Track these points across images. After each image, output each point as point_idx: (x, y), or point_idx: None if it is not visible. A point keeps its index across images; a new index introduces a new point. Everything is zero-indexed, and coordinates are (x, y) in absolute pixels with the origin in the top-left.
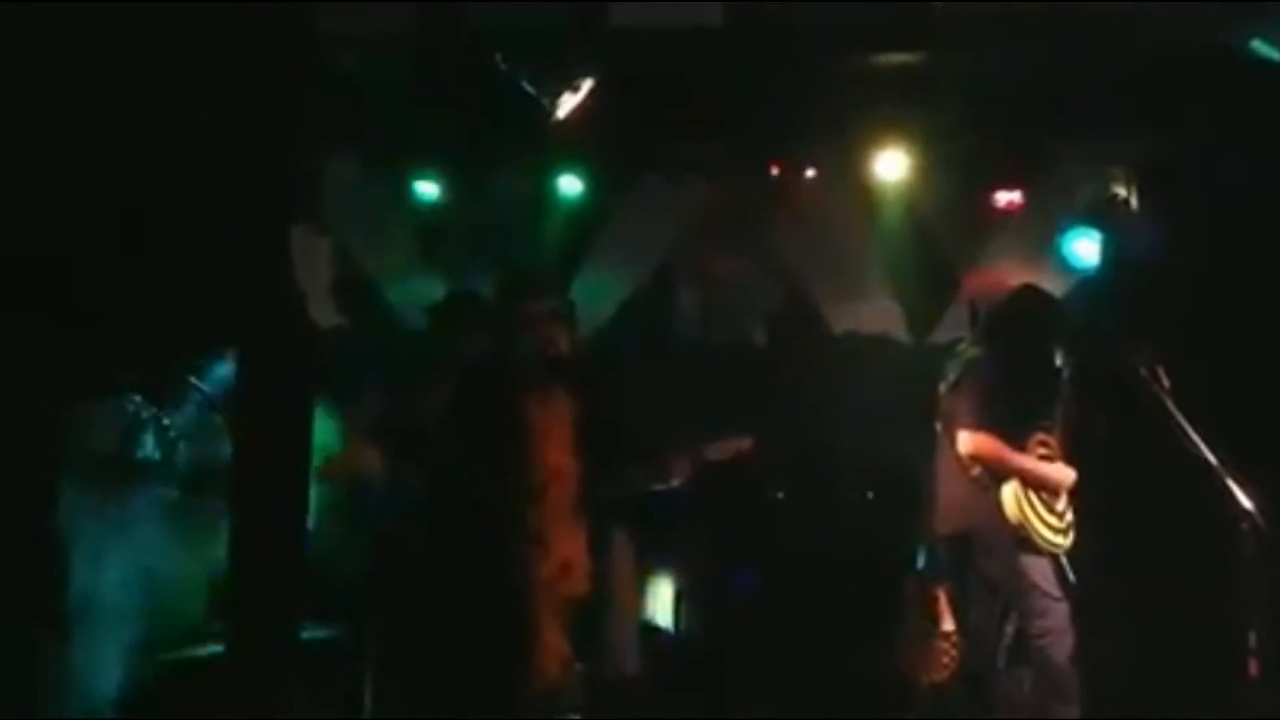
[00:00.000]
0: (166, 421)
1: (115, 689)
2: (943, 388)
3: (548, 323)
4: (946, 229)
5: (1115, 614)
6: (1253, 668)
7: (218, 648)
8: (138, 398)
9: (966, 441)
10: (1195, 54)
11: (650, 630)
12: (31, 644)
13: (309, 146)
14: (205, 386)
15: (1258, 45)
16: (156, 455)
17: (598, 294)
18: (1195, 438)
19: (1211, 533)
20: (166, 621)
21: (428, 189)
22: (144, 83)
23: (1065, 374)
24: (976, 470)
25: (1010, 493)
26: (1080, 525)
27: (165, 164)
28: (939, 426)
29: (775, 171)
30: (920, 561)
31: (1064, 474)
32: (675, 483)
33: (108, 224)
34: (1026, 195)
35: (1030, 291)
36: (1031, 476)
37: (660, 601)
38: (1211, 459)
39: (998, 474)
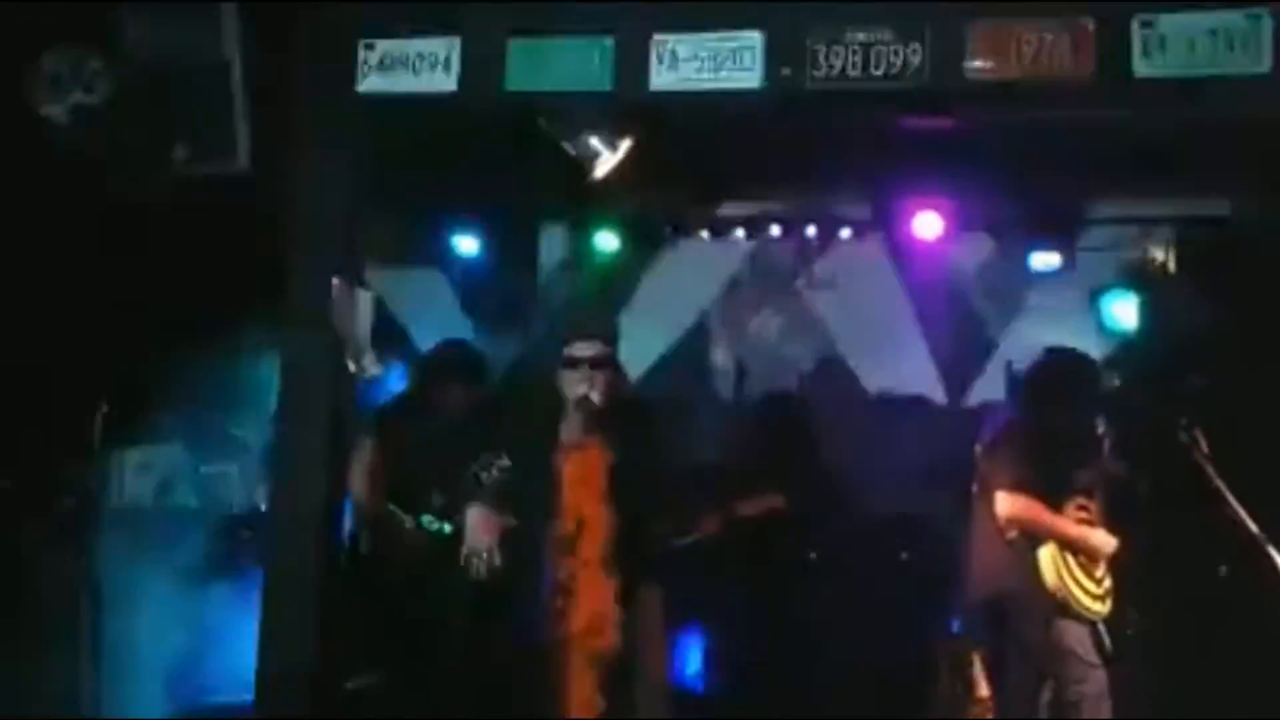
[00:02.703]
0: (204, 470)
1: None
2: (979, 449)
3: (585, 373)
4: (983, 290)
5: (1153, 683)
6: None
7: (251, 697)
8: (176, 446)
9: (1005, 503)
10: (1234, 118)
11: (679, 687)
12: (68, 692)
13: (352, 200)
14: (244, 435)
15: None
16: (193, 503)
17: (633, 350)
18: (1235, 504)
19: (1251, 602)
20: (203, 670)
21: (467, 244)
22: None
23: (1105, 438)
24: (1013, 533)
25: (1049, 558)
26: (1118, 592)
27: (206, 215)
28: (975, 488)
29: (811, 230)
30: (955, 625)
31: (1102, 540)
32: (705, 537)
33: (146, 271)
34: (1064, 257)
35: (1065, 353)
36: (1070, 540)
37: (690, 657)
38: (1253, 527)
39: (1036, 537)
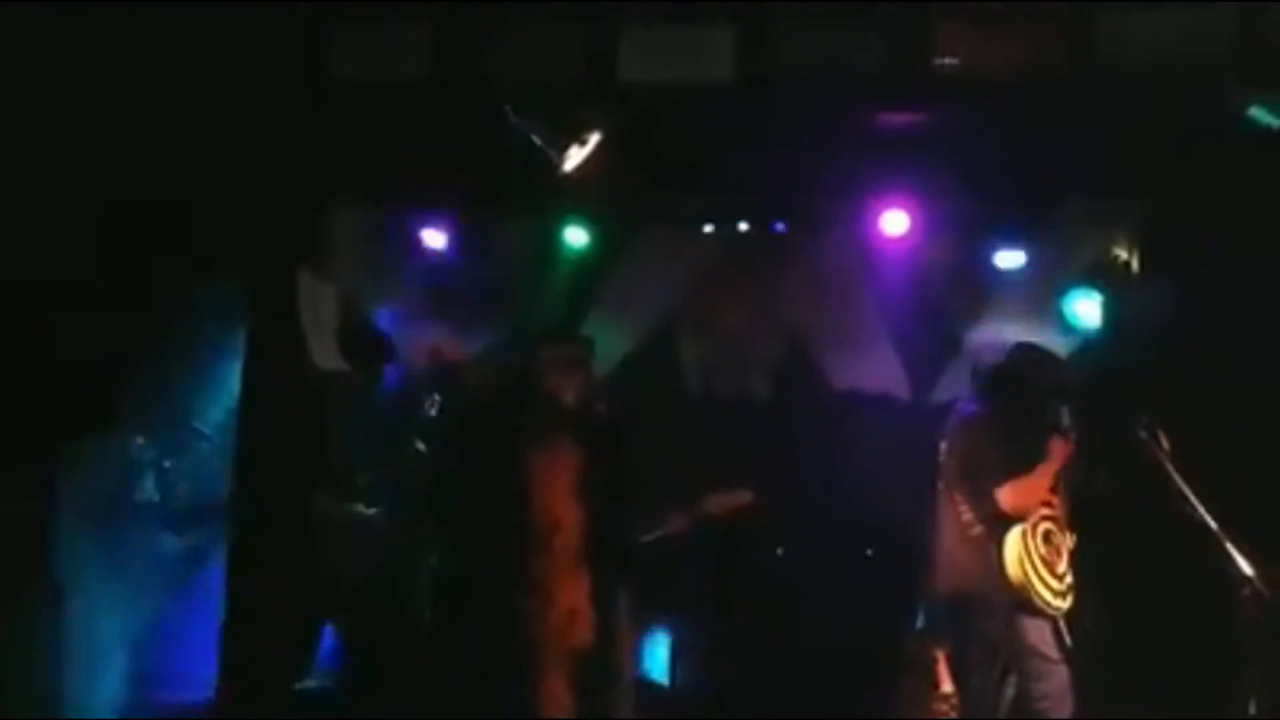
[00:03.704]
0: (167, 464)
1: None
2: (942, 446)
3: (556, 371)
4: (949, 287)
5: (1114, 678)
6: None
7: (214, 694)
8: (139, 439)
9: (1010, 497)
10: (1196, 116)
11: (647, 682)
12: (29, 685)
13: (315, 191)
14: (206, 429)
15: (1255, 112)
16: (156, 497)
17: (601, 345)
18: (1195, 501)
19: (1211, 597)
20: (164, 665)
21: (435, 238)
22: (150, 126)
23: (1069, 433)
24: (977, 530)
25: (1014, 552)
26: (1080, 588)
27: (170, 208)
28: (940, 485)
29: (780, 227)
30: (920, 621)
31: (1061, 446)
32: (674, 534)
33: (115, 261)
34: (1029, 255)
35: (1029, 350)
36: (1053, 473)
37: (658, 653)
38: (1211, 523)
39: (1003, 529)
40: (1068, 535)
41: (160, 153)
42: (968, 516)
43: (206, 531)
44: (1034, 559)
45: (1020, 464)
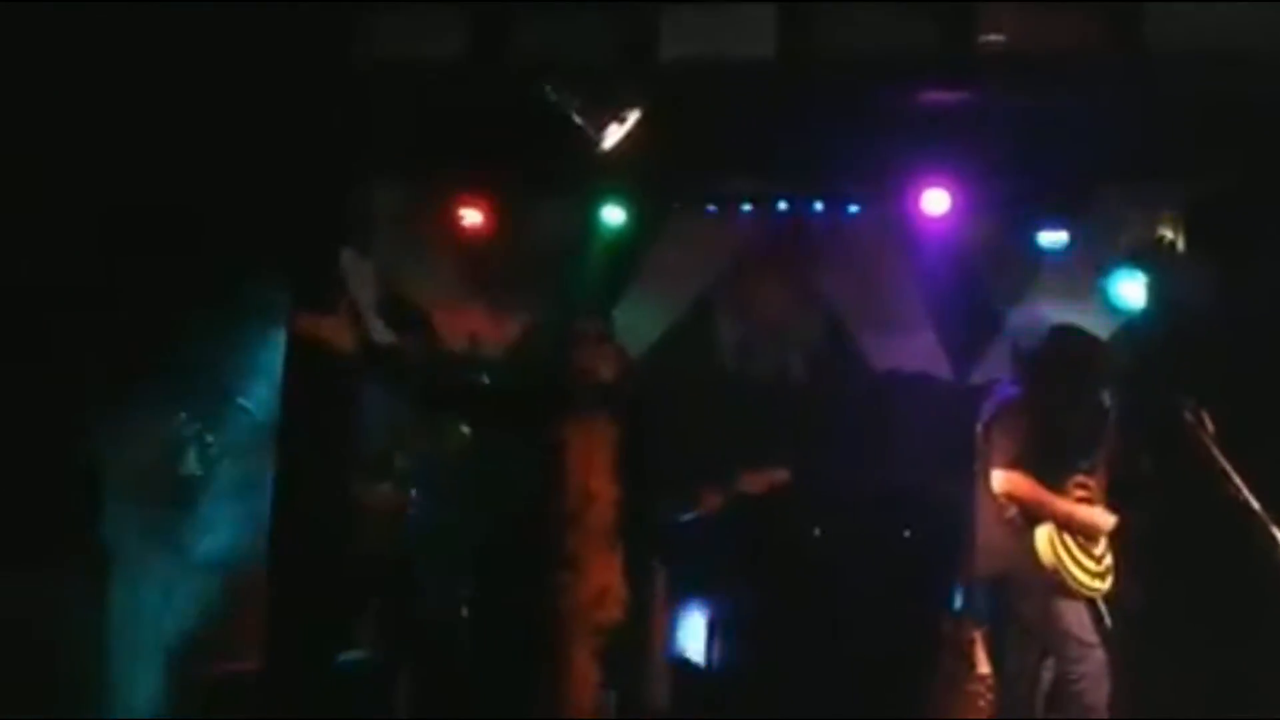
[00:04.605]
0: (209, 438)
1: (153, 704)
2: (980, 428)
3: (591, 348)
4: (990, 267)
5: (1154, 661)
6: None
7: (256, 665)
8: (182, 414)
9: (1000, 480)
10: (1244, 96)
11: (681, 661)
12: (72, 655)
13: (356, 171)
14: (249, 404)
15: None
16: (199, 471)
17: (638, 323)
18: (1240, 483)
19: (1254, 580)
20: (207, 637)
21: (472, 216)
22: (193, 108)
23: (1109, 416)
24: (1012, 512)
25: (1045, 536)
26: (1122, 569)
27: (215, 186)
28: (977, 467)
29: (819, 205)
30: (957, 603)
31: (1100, 518)
32: (709, 513)
33: (155, 241)
34: (1072, 235)
35: (1072, 331)
36: (1065, 517)
37: (692, 632)
38: (1256, 505)
39: (1032, 515)
40: (1107, 516)
41: (197, 136)
42: (1003, 499)
43: (249, 505)
44: (1067, 541)
45: (1054, 449)
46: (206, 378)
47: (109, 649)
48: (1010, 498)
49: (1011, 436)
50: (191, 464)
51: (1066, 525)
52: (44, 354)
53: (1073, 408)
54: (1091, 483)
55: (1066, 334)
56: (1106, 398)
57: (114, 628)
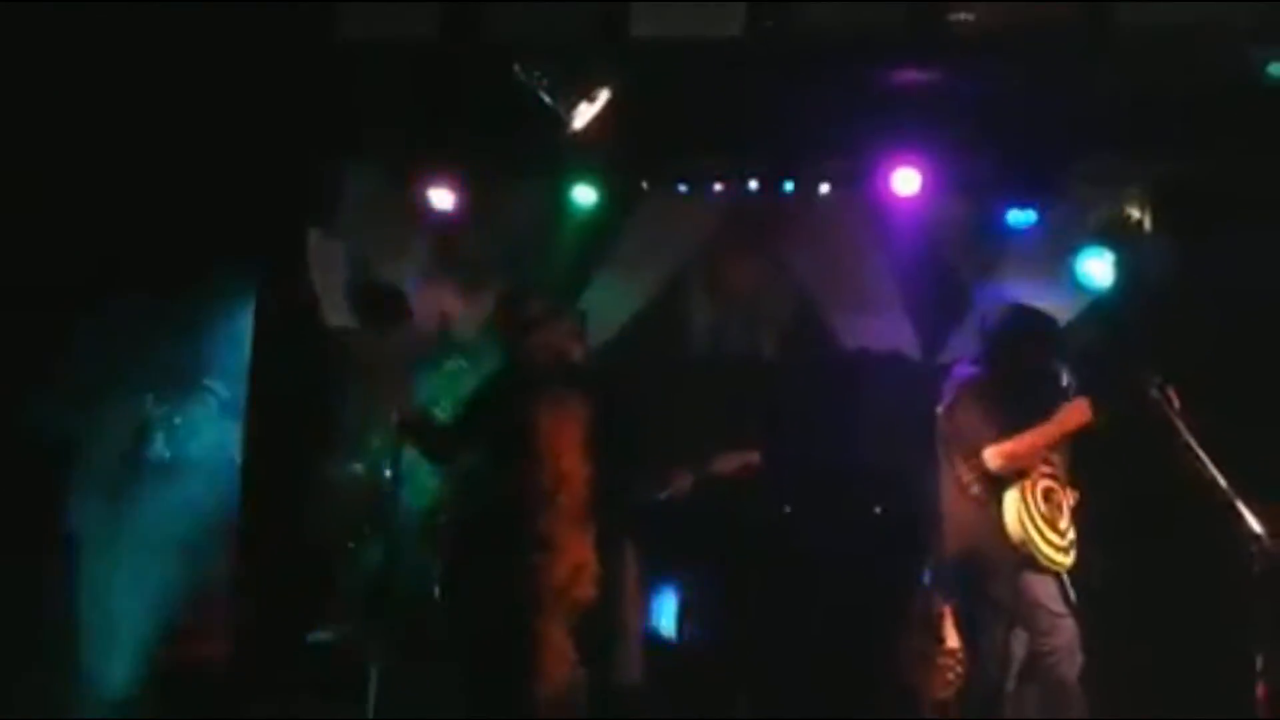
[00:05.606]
0: (178, 420)
1: (124, 686)
2: (940, 409)
3: (559, 329)
4: (960, 246)
5: (1122, 634)
6: (1259, 691)
7: (226, 647)
8: (150, 396)
9: (995, 457)
10: (1211, 75)
11: (654, 638)
12: (41, 639)
13: (325, 151)
14: (216, 385)
15: (1273, 71)
16: (167, 454)
17: (610, 304)
18: (1205, 459)
19: (1219, 555)
20: (176, 619)
21: (442, 196)
22: (161, 86)
23: (1068, 393)
24: (976, 489)
25: (1013, 511)
26: (1088, 544)
27: (181, 166)
28: (939, 446)
29: (789, 186)
30: (926, 578)
31: (1079, 409)
32: (680, 493)
33: (120, 223)
34: (1041, 214)
35: (1021, 310)
36: (1059, 436)
37: (665, 609)
38: (1221, 481)
39: (1003, 486)
40: (1069, 492)
41: (164, 117)
42: (966, 477)
43: (216, 486)
44: (1035, 516)
45: (1014, 425)
46: (174, 360)
47: (78, 634)
48: (1011, 467)
49: (978, 416)
50: (159, 446)
51: (1059, 442)
52: (8, 339)
53: (1027, 386)
54: (1055, 459)
55: (1017, 315)
56: (1065, 375)
57: (82, 612)
